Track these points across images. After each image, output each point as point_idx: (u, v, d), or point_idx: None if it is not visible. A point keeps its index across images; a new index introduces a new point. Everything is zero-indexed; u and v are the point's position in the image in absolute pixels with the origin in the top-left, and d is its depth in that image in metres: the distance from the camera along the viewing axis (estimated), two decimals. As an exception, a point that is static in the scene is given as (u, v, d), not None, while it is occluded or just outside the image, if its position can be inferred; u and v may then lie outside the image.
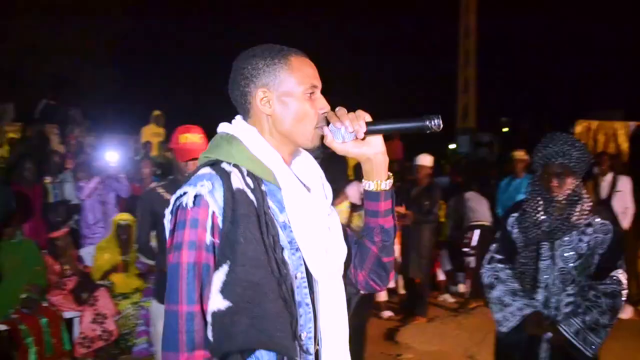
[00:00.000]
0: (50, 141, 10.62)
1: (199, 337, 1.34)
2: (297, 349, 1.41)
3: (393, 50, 21.41)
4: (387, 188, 1.58)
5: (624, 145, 9.55)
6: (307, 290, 1.48)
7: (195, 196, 1.38)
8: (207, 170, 1.44)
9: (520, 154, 7.45)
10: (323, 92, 1.56)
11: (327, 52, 19.26)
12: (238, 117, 1.56)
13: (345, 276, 1.60)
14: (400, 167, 10.97)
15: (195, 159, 3.56)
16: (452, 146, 18.37)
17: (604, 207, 3.13)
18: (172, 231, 1.40)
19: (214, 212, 1.38)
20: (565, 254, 2.81)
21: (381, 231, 1.61)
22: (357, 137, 1.49)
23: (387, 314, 6.86)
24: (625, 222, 6.75)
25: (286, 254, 1.44)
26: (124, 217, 5.58)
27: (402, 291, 7.33)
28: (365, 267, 1.65)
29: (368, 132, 1.49)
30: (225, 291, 1.35)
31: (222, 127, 1.56)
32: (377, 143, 1.53)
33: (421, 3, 21.22)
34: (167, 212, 1.44)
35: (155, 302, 3.73)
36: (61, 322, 4.94)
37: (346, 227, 1.65)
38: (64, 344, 4.90)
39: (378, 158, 1.54)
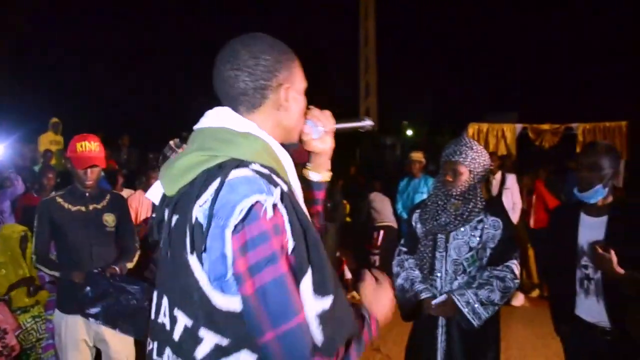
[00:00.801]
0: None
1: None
2: None
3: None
4: (329, 179, 1.77)
5: (512, 146, 10.25)
6: None
7: (274, 205, 1.27)
8: (249, 173, 1.31)
9: (417, 155, 7.84)
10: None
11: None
12: (228, 110, 1.46)
13: None
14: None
15: (94, 166, 3.56)
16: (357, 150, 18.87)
17: (496, 204, 3.44)
18: (251, 246, 1.24)
19: (287, 218, 1.29)
20: (458, 246, 3.09)
21: (319, 216, 1.77)
22: (325, 133, 1.65)
23: (296, 314, 6.99)
24: (514, 217, 7.28)
25: None
26: (19, 229, 5.38)
27: (310, 291, 7.49)
28: None
29: (335, 130, 1.71)
30: (320, 291, 1.30)
31: (219, 121, 1.44)
32: (331, 139, 1.68)
33: (320, 11, 21.63)
34: (229, 228, 1.24)
35: (58, 312, 3.68)
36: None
37: None
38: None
39: (330, 152, 1.71)
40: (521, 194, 7.61)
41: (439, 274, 3.13)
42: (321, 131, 1.65)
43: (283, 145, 1.49)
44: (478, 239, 3.06)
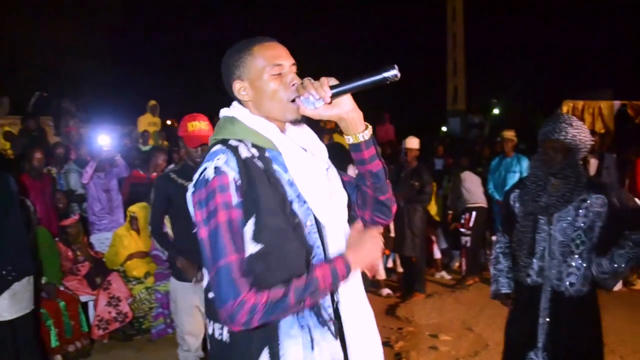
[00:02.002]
0: (46, 133, 10.76)
1: (251, 278, 1.56)
2: None
3: (382, 35, 21.53)
4: (366, 139, 1.77)
5: (610, 124, 9.79)
6: (316, 235, 1.72)
7: (215, 168, 1.60)
8: (217, 147, 1.68)
9: (509, 134, 7.68)
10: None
11: (315, 45, 19.32)
12: (235, 103, 1.80)
13: (353, 219, 1.85)
14: (392, 149, 11.20)
15: (205, 144, 3.78)
16: (444, 128, 18.60)
17: (598, 181, 3.33)
18: (202, 203, 1.60)
19: (234, 178, 1.59)
20: (563, 228, 3.00)
21: (371, 175, 1.82)
22: (325, 102, 1.66)
23: (385, 291, 7.10)
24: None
25: (295, 206, 1.69)
26: (133, 209, 5.79)
27: (400, 269, 7.58)
28: (368, 207, 1.88)
29: (334, 95, 1.66)
30: (256, 238, 1.59)
31: (223, 112, 1.81)
32: (346, 102, 1.71)
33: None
34: (190, 190, 1.66)
35: (174, 280, 3.95)
36: (78, 305, 5.14)
37: (342, 177, 1.89)
38: (82, 326, 5.11)
39: (350, 115, 1.72)
40: (621, 173, 7.32)
41: (538, 256, 3.08)
42: (317, 101, 1.66)
43: (295, 121, 1.75)
44: (584, 218, 2.97)
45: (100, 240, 6.43)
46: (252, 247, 1.59)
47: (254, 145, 1.69)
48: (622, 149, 7.70)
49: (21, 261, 3.95)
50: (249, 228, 1.59)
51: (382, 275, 7.18)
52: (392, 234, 7.09)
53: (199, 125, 3.80)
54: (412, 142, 6.92)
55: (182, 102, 14.63)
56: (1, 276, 3.78)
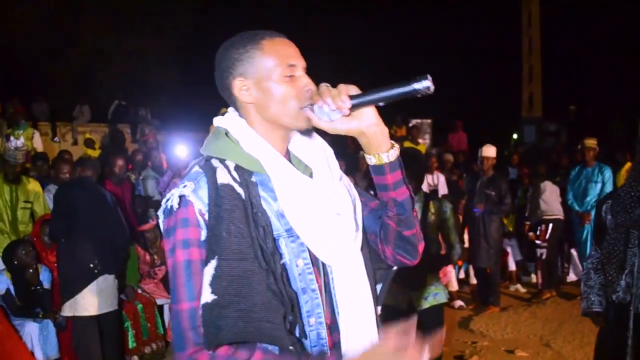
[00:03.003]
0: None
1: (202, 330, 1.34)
2: (289, 338, 1.35)
3: (456, 41, 21.20)
4: (390, 160, 1.48)
5: (702, 131, 9.26)
6: (312, 277, 1.46)
7: (180, 197, 1.38)
8: (196, 168, 1.44)
9: (591, 142, 7.37)
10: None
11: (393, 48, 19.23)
12: (230, 109, 1.55)
13: (374, 252, 1.60)
14: (466, 157, 11.00)
15: None
16: (514, 136, 18.08)
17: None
18: (168, 233, 1.40)
19: (200, 210, 1.37)
20: None
21: (395, 204, 1.52)
22: (342, 113, 1.40)
23: (458, 303, 6.95)
24: None
25: (282, 243, 1.44)
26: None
27: (472, 281, 7.40)
28: (390, 242, 1.57)
29: (353, 106, 1.39)
30: (213, 285, 1.31)
31: (216, 122, 1.54)
32: (368, 115, 1.43)
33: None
34: (160, 214, 1.44)
35: None
36: (154, 308, 5.29)
37: (368, 202, 1.62)
38: (158, 328, 5.25)
39: (371, 130, 1.44)
40: None
41: (627, 272, 2.88)
42: (334, 112, 1.39)
43: (305, 131, 1.51)
44: None
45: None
46: (207, 295, 1.31)
47: (237, 168, 1.44)
48: None
49: (106, 258, 4.46)
50: (209, 271, 1.32)
51: (454, 286, 7.02)
52: (466, 245, 6.93)
53: None
54: (489, 151, 6.75)
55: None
56: (89, 269, 4.32)
